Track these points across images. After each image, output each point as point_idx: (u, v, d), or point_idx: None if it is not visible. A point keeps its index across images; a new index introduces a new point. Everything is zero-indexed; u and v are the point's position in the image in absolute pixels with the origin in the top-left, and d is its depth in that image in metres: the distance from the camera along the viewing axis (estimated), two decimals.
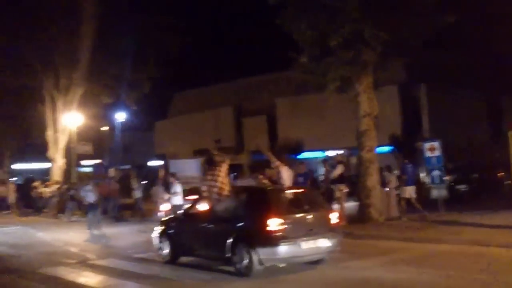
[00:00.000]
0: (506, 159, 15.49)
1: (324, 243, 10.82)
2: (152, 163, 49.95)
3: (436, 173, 18.24)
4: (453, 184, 22.41)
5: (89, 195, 20.74)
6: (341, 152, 21.63)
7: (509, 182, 21.61)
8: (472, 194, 22.50)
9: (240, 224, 10.97)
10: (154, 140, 48.78)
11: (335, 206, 17.77)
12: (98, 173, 29.93)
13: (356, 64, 17.39)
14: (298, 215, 10.83)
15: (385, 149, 25.72)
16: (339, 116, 28.14)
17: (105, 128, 49.38)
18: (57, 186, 30.01)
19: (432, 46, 21.85)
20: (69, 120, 32.82)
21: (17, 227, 23.92)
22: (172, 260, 12.59)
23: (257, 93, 39.43)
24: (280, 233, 10.23)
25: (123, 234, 18.72)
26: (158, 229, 13.30)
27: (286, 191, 12.11)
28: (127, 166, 41.49)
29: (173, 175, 19.69)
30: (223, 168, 12.01)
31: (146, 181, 27.81)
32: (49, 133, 33.77)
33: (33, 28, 30.49)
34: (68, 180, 31.21)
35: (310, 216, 10.87)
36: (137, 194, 24.98)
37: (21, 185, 38.48)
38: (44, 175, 36.93)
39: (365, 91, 17.92)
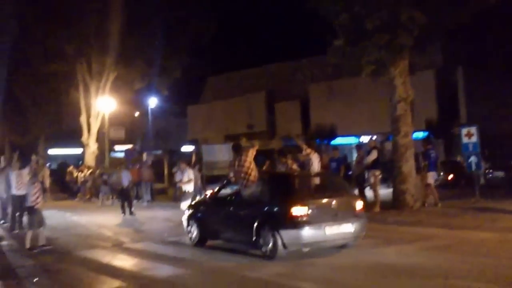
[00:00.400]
0: None
1: (348, 228, 10.85)
2: (185, 148, 50.14)
3: (473, 159, 17.84)
4: (489, 170, 21.94)
5: (122, 180, 20.95)
6: (375, 137, 21.27)
7: None
8: (509, 181, 22.02)
9: (265, 209, 11.10)
10: (186, 125, 48.90)
11: (369, 192, 17.63)
12: (131, 158, 30.18)
13: (392, 48, 16.99)
14: (322, 201, 10.91)
15: (421, 134, 25.30)
16: (373, 101, 27.82)
17: (138, 113, 49.75)
18: (91, 171, 30.36)
19: (470, 29, 21.28)
20: (102, 106, 33.12)
21: (53, 211, 24.24)
22: (201, 243, 12.77)
23: (290, 78, 39.14)
24: (304, 218, 10.34)
25: (156, 218, 18.81)
26: (186, 213, 13.53)
27: (311, 177, 12.20)
28: (159, 152, 41.74)
29: (184, 161, 19.58)
30: (250, 154, 12.00)
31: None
32: (82, 119, 34.16)
33: (66, 15, 30.75)
34: (101, 165, 31.53)
35: (334, 202, 10.89)
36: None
37: (56, 170, 39.12)
38: (78, 160, 37.46)
39: (401, 75, 17.56)
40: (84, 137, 34.17)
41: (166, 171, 32.89)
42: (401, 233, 13.50)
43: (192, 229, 12.99)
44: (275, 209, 10.87)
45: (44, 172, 35.19)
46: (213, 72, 45.95)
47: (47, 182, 34.84)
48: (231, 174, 12.74)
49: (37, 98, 39.64)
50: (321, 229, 10.47)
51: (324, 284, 8.81)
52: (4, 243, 14.86)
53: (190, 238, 13.00)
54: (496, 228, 13.08)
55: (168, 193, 28.19)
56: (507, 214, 14.75)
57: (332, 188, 11.59)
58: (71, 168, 33.16)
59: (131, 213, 20.14)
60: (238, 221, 11.62)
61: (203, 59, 36.82)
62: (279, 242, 10.44)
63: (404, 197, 17.02)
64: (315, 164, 13.92)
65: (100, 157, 34.27)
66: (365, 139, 28.18)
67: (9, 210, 17.46)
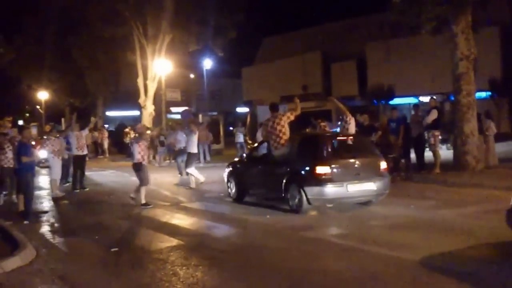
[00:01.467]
0: None
1: (371, 186, 11.54)
2: (240, 109, 50.23)
3: None
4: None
5: (180, 141, 21.13)
6: (435, 97, 20.65)
7: None
8: None
9: (293, 168, 11.96)
10: (241, 86, 48.87)
11: (428, 153, 17.20)
12: (187, 119, 30.42)
13: (454, 3, 16.34)
14: (345, 161, 11.69)
15: (484, 94, 24.46)
16: (432, 60, 27.00)
17: (193, 75, 49.98)
18: (148, 132, 30.79)
19: None
20: (158, 68, 33.37)
21: (112, 170, 24.83)
22: (239, 198, 13.71)
23: (346, 37, 38.35)
24: (327, 176, 11.22)
25: (212, 178, 18.96)
26: (227, 171, 14.55)
27: (337, 138, 12.77)
28: (215, 113, 41.98)
29: (193, 121, 19.57)
30: (285, 118, 12.69)
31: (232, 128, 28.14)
32: (139, 81, 34.55)
33: None
34: (159, 126, 31.93)
35: (357, 162, 11.68)
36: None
37: (114, 131, 39.93)
38: (136, 122, 38.05)
39: (463, 32, 16.85)
40: (141, 99, 34.61)
41: (222, 132, 33.08)
42: (462, 194, 13.16)
43: (231, 186, 14.08)
44: (302, 168, 11.71)
45: (103, 134, 36.09)
46: (267, 32, 45.60)
47: (106, 143, 35.72)
48: (263, 133, 14.02)
49: (95, 60, 40.32)
50: (343, 187, 11.26)
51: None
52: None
53: (229, 194, 14.09)
54: None
55: (224, 154, 28.35)
56: None
57: (357, 149, 12.21)
58: (128, 129, 33.75)
59: (187, 173, 20.34)
60: (270, 179, 12.55)
61: (258, 19, 36.47)
62: (304, 198, 11.36)
63: (466, 158, 16.53)
64: (351, 127, 14.21)
65: (157, 119, 34.72)
66: (424, 99, 27.46)
67: (71, 170, 17.97)
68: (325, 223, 10.93)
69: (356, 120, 15.45)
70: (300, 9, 43.91)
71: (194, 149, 17.55)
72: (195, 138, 17.61)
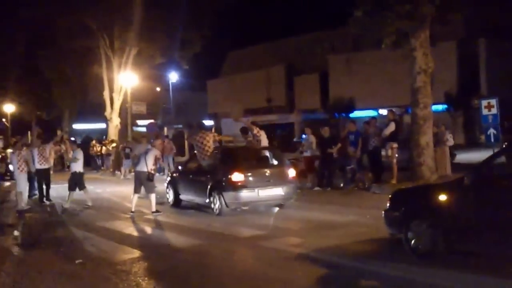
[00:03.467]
0: None
1: (279, 191, 13.62)
2: (204, 122, 50.34)
3: (491, 131, 17.61)
4: (508, 143, 21.70)
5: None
6: (394, 110, 21.19)
7: None
8: None
9: (214, 176, 13.86)
10: (206, 99, 49.06)
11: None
12: (152, 132, 30.49)
13: (413, 18, 16.87)
14: (257, 169, 13.78)
15: (440, 107, 25.17)
16: (392, 74, 27.65)
17: (159, 88, 50.00)
18: (114, 145, 30.75)
19: (493, 0, 20.99)
20: (124, 80, 33.40)
21: None
22: (176, 204, 15.52)
23: (309, 51, 38.91)
24: (240, 183, 13.19)
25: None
26: (167, 180, 16.54)
27: (251, 150, 15.10)
28: (180, 126, 42.08)
29: (73, 142, 19.89)
30: (211, 135, 15.20)
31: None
32: (105, 94, 34.53)
33: None
34: (124, 139, 31.93)
35: (268, 171, 13.80)
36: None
37: (80, 144, 39.66)
38: (102, 134, 37.91)
39: (422, 46, 17.40)
40: (107, 112, 34.57)
41: (186, 145, 33.24)
42: None
43: (169, 193, 15.91)
44: (221, 176, 13.61)
45: (69, 146, 35.80)
46: (233, 46, 45.97)
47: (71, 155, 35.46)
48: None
49: (62, 73, 40.11)
50: (255, 192, 13.26)
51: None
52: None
53: (167, 199, 15.93)
54: None
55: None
56: None
57: (269, 160, 14.47)
58: (94, 142, 33.64)
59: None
60: (198, 186, 14.38)
61: (223, 33, 36.79)
62: (223, 201, 13.25)
63: (421, 169, 16.98)
64: (264, 140, 15.54)
65: (123, 131, 34.69)
66: (383, 112, 28.08)
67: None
68: (243, 223, 12.32)
69: (317, 133, 15.88)
70: (264, 23, 44.37)
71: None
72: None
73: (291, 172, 14.08)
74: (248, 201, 13.40)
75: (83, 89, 41.98)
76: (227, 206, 13.29)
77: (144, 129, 37.00)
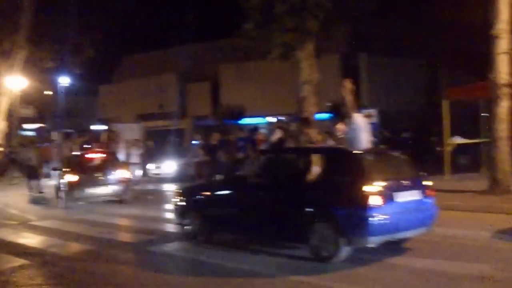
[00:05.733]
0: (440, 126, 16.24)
1: (112, 189, 16.85)
2: (95, 127, 49.36)
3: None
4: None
5: (30, 158, 20.70)
6: (282, 118, 22.02)
7: (441, 148, 22.19)
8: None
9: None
10: (97, 104, 48.27)
11: None
12: (40, 137, 29.65)
13: (299, 32, 17.75)
14: (94, 172, 17.11)
15: (326, 116, 26.27)
16: (281, 83, 28.54)
17: (49, 92, 48.43)
18: (1, 149, 29.57)
19: (374, 16, 22.31)
20: (12, 83, 32.20)
21: None
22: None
23: (202, 59, 39.36)
24: (77, 184, 16.40)
25: None
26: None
27: (88, 156, 18.38)
28: (70, 130, 41.02)
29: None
30: (77, 141, 18.54)
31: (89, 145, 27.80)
32: None
33: None
34: (10, 143, 30.77)
35: (102, 173, 17.09)
36: None
37: None
38: None
39: (307, 58, 18.36)
40: None
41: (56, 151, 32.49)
42: None
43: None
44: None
45: None
46: (126, 52, 45.50)
47: None
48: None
49: None
50: (90, 189, 16.56)
51: None
52: None
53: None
54: None
55: None
56: None
57: (105, 164, 17.46)
58: None
59: (39, 191, 19.99)
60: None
61: (117, 39, 36.36)
62: (71, 196, 16.40)
63: None
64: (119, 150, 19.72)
65: (9, 135, 33.36)
66: (271, 119, 28.99)
67: None
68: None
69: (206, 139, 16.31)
70: (160, 29, 44.26)
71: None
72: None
73: (125, 174, 17.50)
74: (88, 196, 16.94)
75: None
76: (76, 201, 16.70)
77: (31, 133, 35.82)
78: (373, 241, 8.24)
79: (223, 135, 20.27)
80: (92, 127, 41.96)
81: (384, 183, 8.31)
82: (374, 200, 8.07)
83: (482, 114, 19.28)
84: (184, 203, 10.96)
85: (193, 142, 24.11)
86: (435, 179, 16.95)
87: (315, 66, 18.62)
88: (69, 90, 46.53)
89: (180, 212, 11.01)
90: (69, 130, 38.53)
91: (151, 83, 40.82)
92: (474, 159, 20.04)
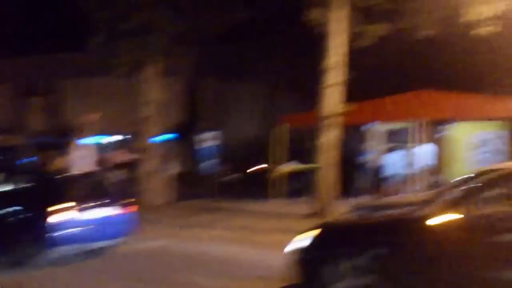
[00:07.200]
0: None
1: None
2: None
3: (208, 163, 19.10)
4: (225, 174, 23.42)
5: None
6: (127, 137, 21.71)
7: (269, 174, 22.37)
8: (240, 184, 23.25)
9: None
10: None
11: None
12: None
13: (146, 50, 17.62)
14: None
15: (169, 136, 26.29)
16: (124, 101, 28.13)
17: None
18: None
19: (221, 40, 22.59)
20: None
21: None
22: None
23: (40, 73, 37.59)
24: None
25: None
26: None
27: None
28: None
29: None
30: None
31: None
32: None
33: None
34: None
35: None
36: None
37: None
38: None
39: (152, 78, 18.25)
40: None
41: None
42: None
43: None
44: None
45: None
46: None
47: None
48: None
49: None
50: None
51: None
52: None
53: None
54: None
55: None
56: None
57: None
58: None
59: None
60: None
61: None
62: None
63: (147, 194, 17.63)
64: None
65: None
66: (110, 138, 28.39)
67: None
68: None
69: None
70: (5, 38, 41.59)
71: None
72: None
73: None
74: None
75: None
76: None
77: None
78: (61, 250, 9.82)
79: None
80: None
81: (70, 203, 9.93)
82: (58, 217, 9.70)
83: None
84: None
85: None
86: (258, 203, 17.81)
87: (160, 86, 18.59)
88: None
89: None
90: None
91: None
92: (308, 184, 20.93)
